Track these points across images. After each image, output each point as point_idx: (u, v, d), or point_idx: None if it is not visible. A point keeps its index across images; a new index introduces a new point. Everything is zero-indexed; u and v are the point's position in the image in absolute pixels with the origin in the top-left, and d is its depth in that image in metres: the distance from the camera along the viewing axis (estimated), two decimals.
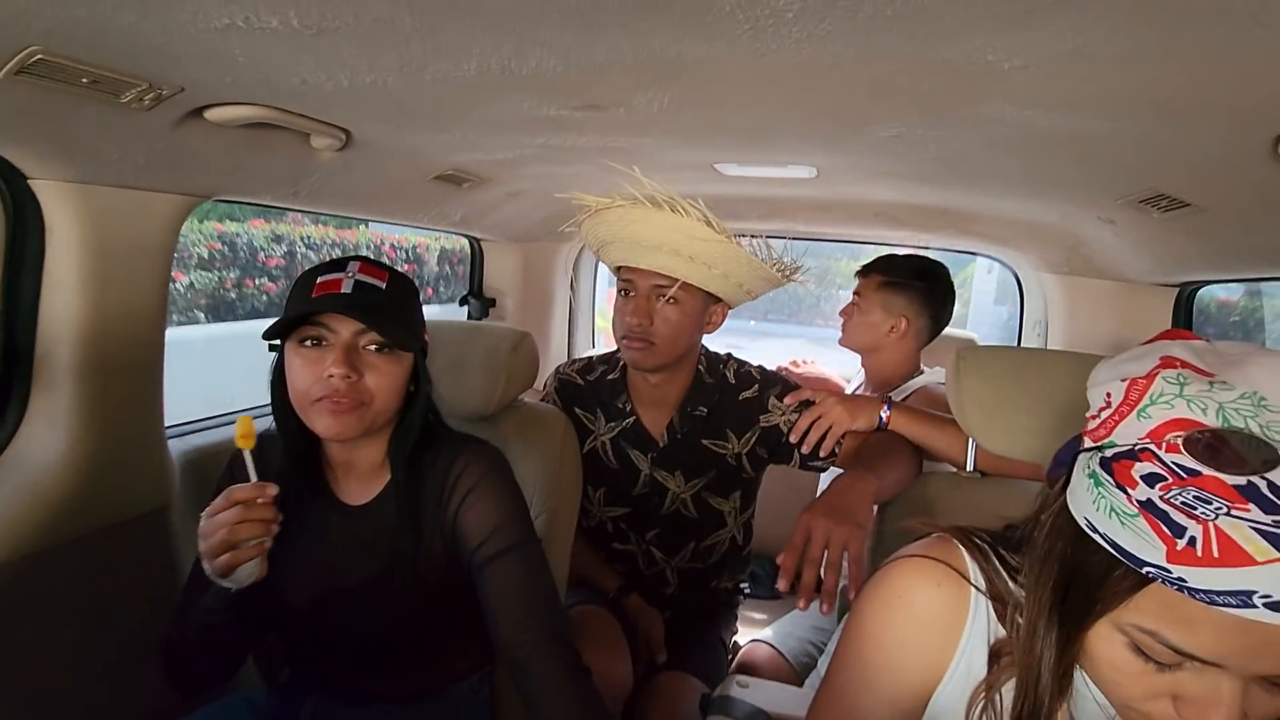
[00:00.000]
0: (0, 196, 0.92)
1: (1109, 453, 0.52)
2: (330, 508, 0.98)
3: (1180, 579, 0.45)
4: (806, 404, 1.35)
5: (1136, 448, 0.51)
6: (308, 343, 0.87)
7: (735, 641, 1.62)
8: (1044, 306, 2.12)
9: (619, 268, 1.33)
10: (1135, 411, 0.52)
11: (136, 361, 1.07)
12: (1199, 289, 1.67)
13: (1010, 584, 0.64)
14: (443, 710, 1.06)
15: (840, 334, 1.72)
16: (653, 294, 1.28)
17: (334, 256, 0.93)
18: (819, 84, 0.78)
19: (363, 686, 1.02)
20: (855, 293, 1.69)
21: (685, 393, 1.39)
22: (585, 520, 1.50)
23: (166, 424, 1.22)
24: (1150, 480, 0.48)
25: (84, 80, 0.77)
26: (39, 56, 0.70)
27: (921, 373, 1.67)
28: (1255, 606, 0.43)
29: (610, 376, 1.44)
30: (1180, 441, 0.48)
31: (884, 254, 1.71)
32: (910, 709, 0.67)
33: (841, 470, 1.21)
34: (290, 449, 0.95)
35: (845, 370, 2.23)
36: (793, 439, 1.33)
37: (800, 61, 0.70)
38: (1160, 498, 0.47)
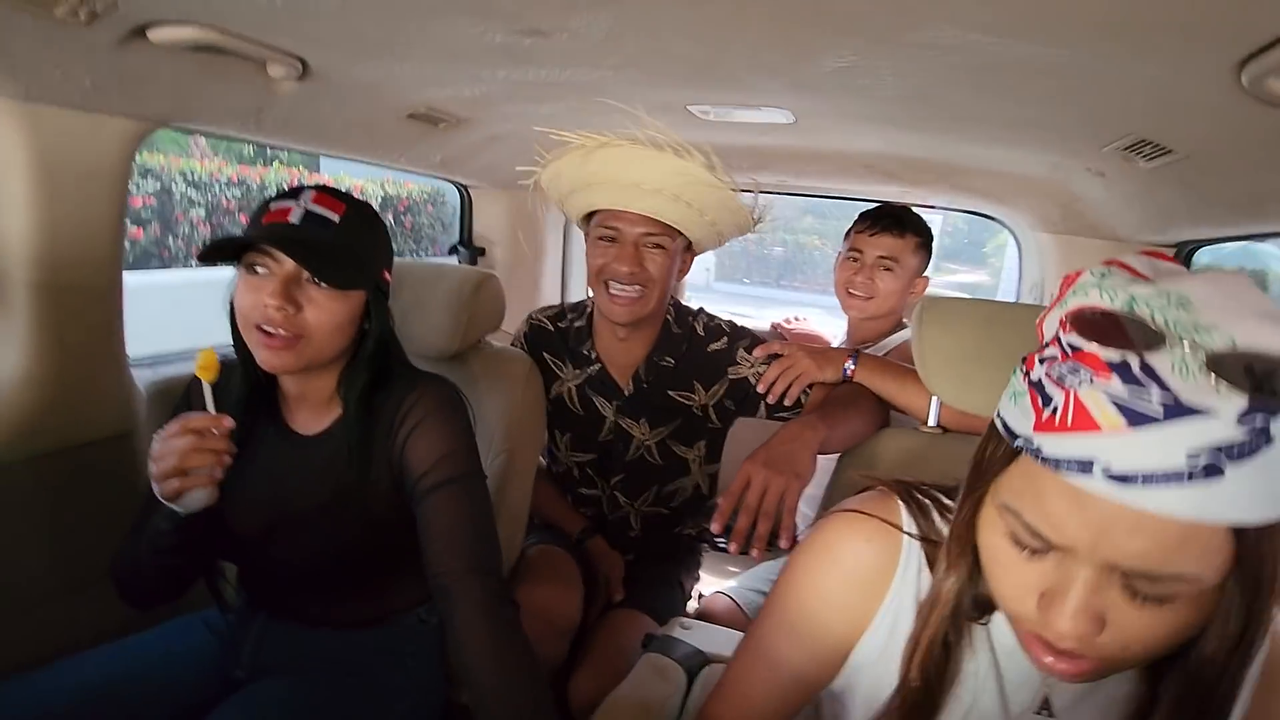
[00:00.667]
0: None
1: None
2: (282, 437, 0.99)
3: (1038, 447, 0.47)
4: (775, 357, 1.34)
5: (1049, 336, 0.52)
6: (256, 269, 0.87)
7: (699, 591, 1.64)
8: (1041, 268, 2.06)
9: (594, 214, 1.29)
10: (1059, 304, 0.53)
11: (92, 285, 1.08)
12: (1195, 250, 1.60)
13: (947, 526, 0.64)
14: (389, 637, 1.09)
15: (859, 299, 1.61)
16: (641, 240, 1.25)
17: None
18: (752, 3, 0.75)
19: (309, 612, 1.05)
20: (885, 255, 1.58)
21: (653, 343, 1.38)
22: (553, 465, 1.53)
23: (136, 355, 1.25)
24: (1045, 360, 0.50)
25: None
26: None
27: (903, 328, 1.64)
28: (1093, 475, 0.44)
29: (577, 324, 1.43)
30: (1072, 318, 0.49)
31: (882, 206, 1.64)
32: (829, 660, 0.68)
33: None
34: (246, 375, 0.96)
35: (838, 329, 2.20)
36: (760, 389, 1.33)
37: None
38: (1045, 374, 0.49)
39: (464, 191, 2.22)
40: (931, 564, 0.64)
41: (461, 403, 1.02)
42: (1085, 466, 0.44)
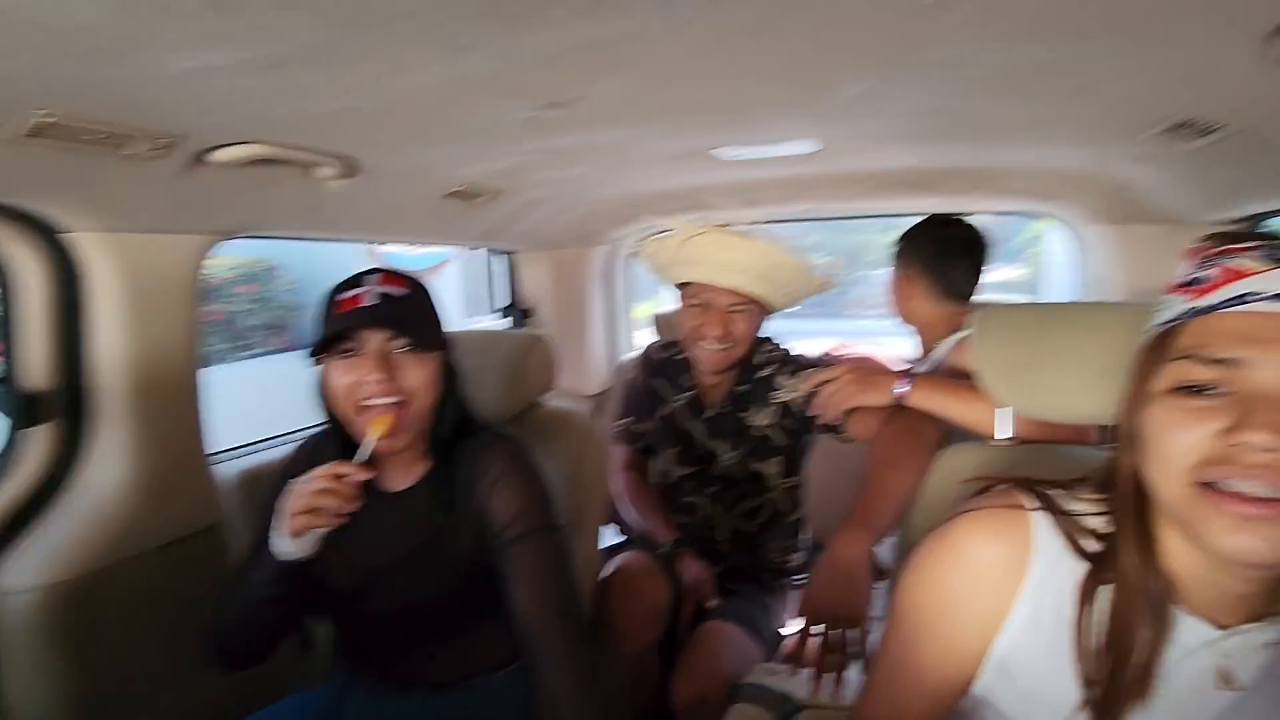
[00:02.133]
0: (44, 249, 1.03)
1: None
2: (373, 496, 1.03)
3: (1193, 307, 0.58)
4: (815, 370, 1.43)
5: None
6: (348, 352, 0.94)
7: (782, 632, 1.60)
8: (1105, 261, 1.97)
9: (688, 284, 1.48)
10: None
11: (176, 390, 1.17)
12: (1264, 221, 1.51)
13: (1087, 507, 0.66)
14: (478, 700, 1.10)
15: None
16: (729, 308, 1.44)
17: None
18: (757, 49, 0.77)
19: (401, 669, 1.08)
20: None
21: (738, 375, 1.55)
22: (661, 479, 1.66)
23: (221, 448, 1.33)
24: (1184, 272, 0.62)
25: (94, 136, 0.86)
26: (47, 119, 0.79)
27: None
28: (1250, 301, 0.55)
29: (679, 356, 1.63)
30: (1215, 240, 0.60)
31: (929, 217, 1.62)
32: (969, 659, 0.68)
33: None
34: (340, 443, 1.01)
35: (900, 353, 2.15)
36: (810, 411, 1.42)
37: (727, 27, 0.70)
38: (1187, 273, 0.61)
39: (509, 257, 2.31)
40: (1075, 545, 0.64)
41: (532, 457, 1.08)
42: (1243, 298, 0.55)
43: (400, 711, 1.08)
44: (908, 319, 1.63)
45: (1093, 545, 0.64)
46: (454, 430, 1.04)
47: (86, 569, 1.07)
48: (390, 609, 1.03)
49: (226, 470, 1.35)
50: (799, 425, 1.50)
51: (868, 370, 1.38)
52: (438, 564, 1.02)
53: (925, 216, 1.63)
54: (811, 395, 1.41)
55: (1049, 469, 0.75)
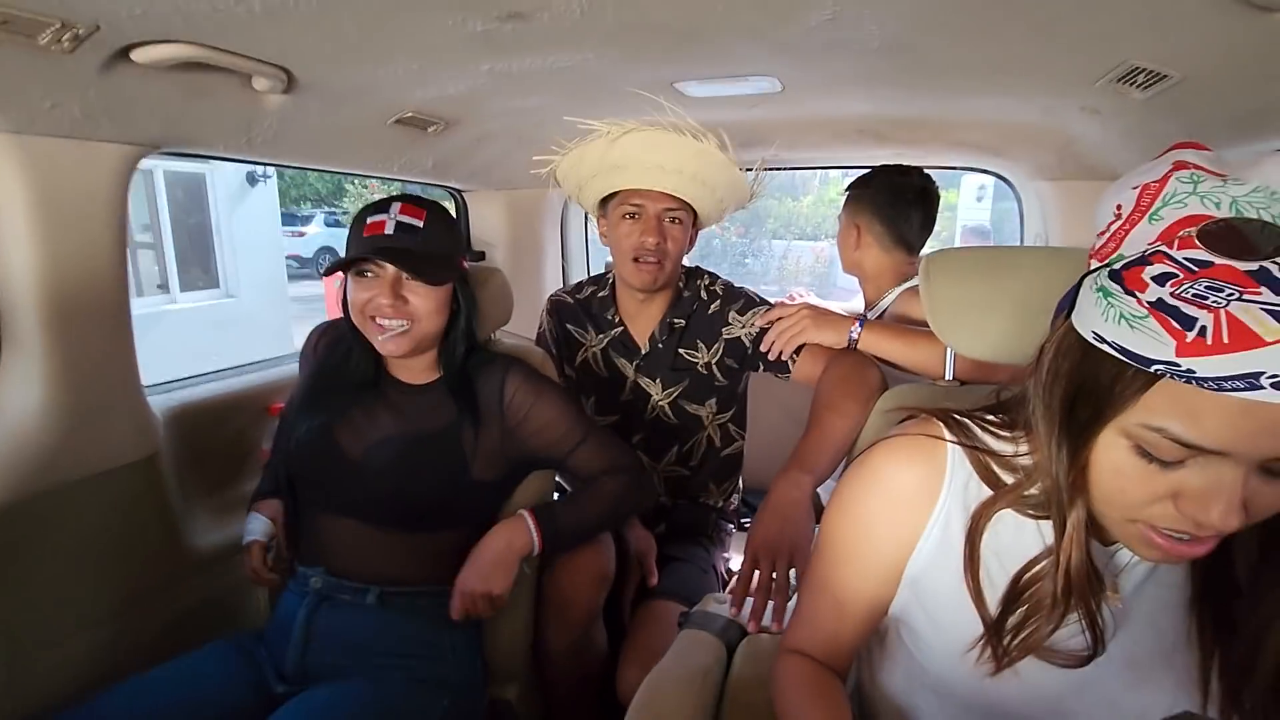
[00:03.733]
0: None
1: (1117, 265, 0.53)
2: (390, 385, 1.19)
3: (1189, 370, 0.46)
4: (764, 306, 1.45)
5: (1147, 252, 0.51)
6: (366, 274, 1.08)
7: (729, 570, 1.64)
8: (1043, 218, 2.03)
9: (611, 197, 1.41)
10: (1147, 216, 0.53)
11: (101, 312, 1.09)
12: None
13: (994, 440, 0.67)
14: (431, 627, 1.12)
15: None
16: (662, 215, 1.38)
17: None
18: None
19: (363, 562, 1.11)
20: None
21: (668, 306, 1.49)
22: None
23: (149, 383, 1.26)
24: (1161, 280, 0.49)
25: None
26: None
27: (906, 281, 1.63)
28: (1263, 387, 0.44)
29: (600, 294, 1.56)
30: (1194, 235, 0.49)
31: (880, 168, 1.65)
32: (888, 578, 0.72)
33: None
34: (365, 351, 1.16)
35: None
36: (763, 347, 1.41)
37: None
38: (1171, 294, 0.48)
39: (459, 197, 2.23)
40: (980, 471, 0.66)
41: (545, 376, 1.25)
42: (1252, 380, 0.44)
43: (353, 632, 1.09)
44: (855, 268, 1.65)
45: (1003, 475, 0.66)
46: (464, 352, 1.17)
47: (3, 500, 1.01)
48: (379, 489, 1.10)
49: (160, 403, 1.28)
50: (741, 364, 1.48)
51: (824, 311, 1.41)
52: (436, 456, 1.12)
53: (878, 166, 1.65)
54: (763, 331, 1.41)
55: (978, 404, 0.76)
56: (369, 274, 1.07)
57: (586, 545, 1.26)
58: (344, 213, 12.65)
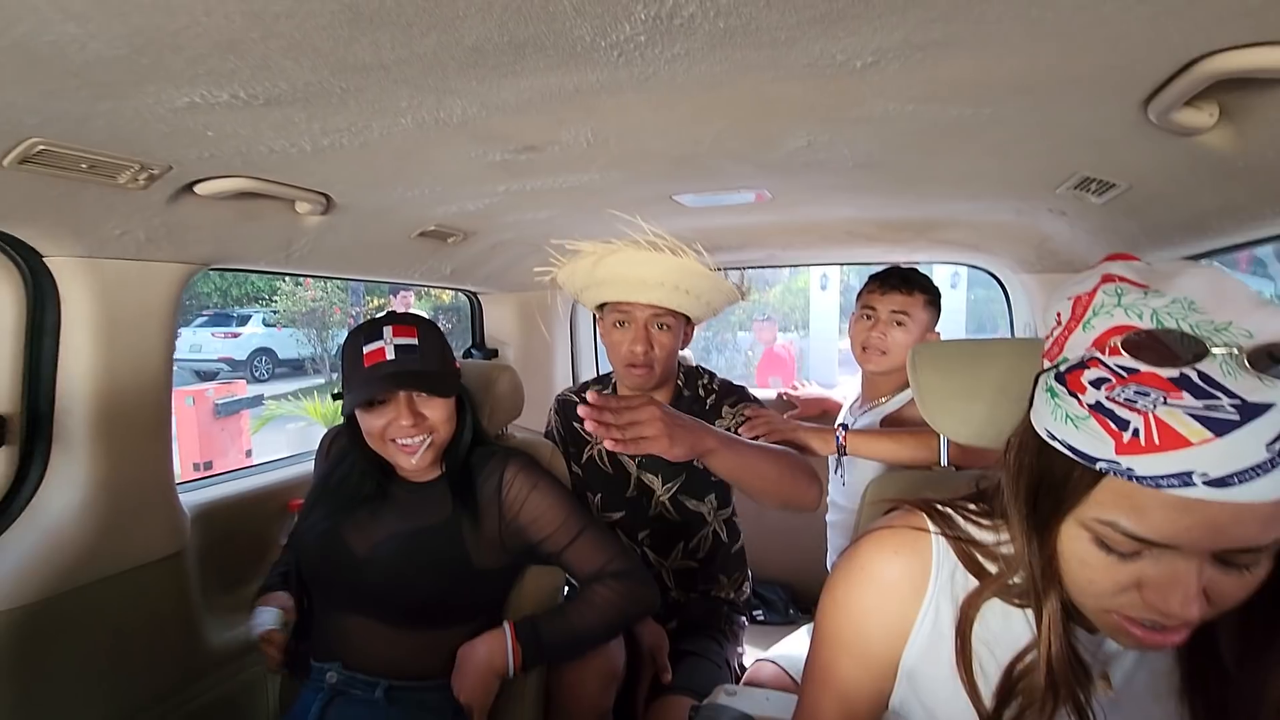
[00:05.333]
0: (20, 273, 1.05)
1: (1062, 367, 0.58)
2: (395, 484, 1.22)
3: (1129, 469, 0.50)
4: (754, 403, 1.51)
5: (1085, 358, 0.56)
6: (377, 402, 1.12)
7: (742, 664, 1.62)
8: (1030, 309, 2.13)
9: (605, 304, 1.49)
10: (1081, 325, 0.58)
11: (145, 419, 1.18)
12: None
13: (977, 530, 0.70)
14: (443, 711, 1.14)
15: (875, 354, 1.64)
16: (650, 323, 1.46)
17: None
18: (712, 102, 0.87)
19: (374, 656, 1.13)
20: (897, 310, 1.63)
21: (667, 403, 1.46)
22: None
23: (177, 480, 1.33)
24: (1097, 384, 0.54)
25: (83, 165, 0.90)
26: (40, 147, 0.83)
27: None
28: (1195, 485, 0.48)
29: (604, 392, 1.54)
30: (1119, 343, 0.54)
31: (890, 268, 1.69)
32: (884, 670, 0.72)
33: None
34: (371, 466, 1.20)
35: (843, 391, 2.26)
36: (743, 429, 1.44)
37: (683, 82, 0.79)
38: (1106, 398, 0.53)
39: (474, 299, 2.36)
40: (965, 562, 0.68)
41: (546, 469, 1.27)
42: (1184, 479, 0.48)
43: (362, 705, 1.12)
44: (897, 363, 1.63)
45: (987, 564, 0.68)
46: (469, 448, 1.22)
47: (39, 595, 1.05)
48: (384, 585, 1.13)
49: (189, 500, 1.35)
50: None
51: (817, 418, 1.49)
52: (437, 548, 1.15)
53: (896, 266, 1.72)
54: (747, 420, 1.46)
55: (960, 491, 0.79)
56: (380, 401, 1.12)
57: (594, 663, 1.26)
58: (273, 312, 12.12)
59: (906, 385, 1.69)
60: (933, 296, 1.66)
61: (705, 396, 1.56)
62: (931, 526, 0.71)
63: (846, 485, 1.62)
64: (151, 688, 1.14)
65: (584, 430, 1.59)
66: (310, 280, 9.77)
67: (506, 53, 0.69)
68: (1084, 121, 0.93)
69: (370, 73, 0.74)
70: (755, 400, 1.56)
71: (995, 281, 2.30)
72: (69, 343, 1.09)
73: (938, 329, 1.70)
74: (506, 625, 1.14)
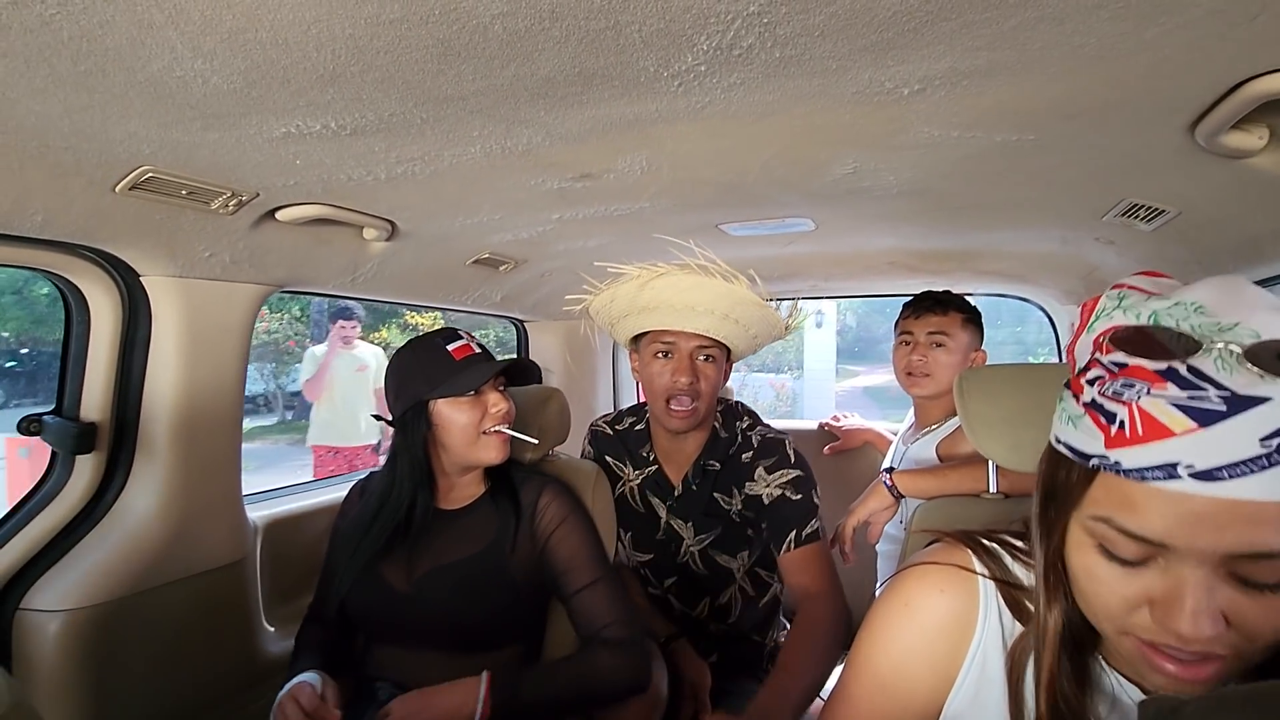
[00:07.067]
0: (119, 291, 1.14)
1: (1072, 375, 0.59)
2: (433, 514, 1.21)
3: (1116, 462, 0.50)
4: (796, 477, 1.40)
5: (1087, 361, 0.57)
6: (468, 394, 1.16)
7: None
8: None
9: (646, 333, 1.41)
10: (1085, 329, 0.59)
11: (221, 430, 1.25)
12: None
13: (1020, 568, 0.67)
14: None
15: (919, 377, 1.65)
16: (695, 354, 1.37)
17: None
18: (762, 130, 0.91)
19: (433, 678, 1.12)
20: (934, 331, 1.64)
21: (703, 446, 1.46)
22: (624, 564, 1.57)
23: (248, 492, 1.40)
24: (1093, 382, 0.54)
25: (184, 192, 0.99)
26: (150, 174, 0.92)
27: None
28: (1180, 477, 0.47)
29: (637, 427, 1.56)
30: (1110, 339, 0.54)
31: (924, 292, 1.71)
32: (923, 714, 0.68)
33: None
34: (418, 475, 1.19)
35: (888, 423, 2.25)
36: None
37: (737, 110, 0.84)
38: (1099, 394, 0.53)
39: (520, 326, 2.43)
40: (1011, 606, 0.66)
41: (584, 506, 1.28)
42: (1169, 470, 0.47)
43: None
44: (943, 386, 1.64)
45: (1030, 605, 0.65)
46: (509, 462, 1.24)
47: (113, 595, 1.12)
48: (435, 619, 1.14)
49: (256, 512, 1.41)
50: (751, 523, 1.43)
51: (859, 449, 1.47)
52: (487, 574, 1.16)
53: (929, 290, 1.73)
54: (783, 495, 1.39)
55: (1003, 520, 0.78)
56: (475, 391, 1.16)
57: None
58: None
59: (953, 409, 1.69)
60: (970, 315, 1.66)
61: (742, 446, 1.45)
62: (978, 566, 0.68)
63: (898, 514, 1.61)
64: (211, 692, 1.18)
65: (615, 464, 1.55)
66: (265, 310, 9.85)
67: (575, 83, 0.75)
68: (1130, 147, 0.94)
69: (449, 104, 0.80)
70: (797, 465, 1.42)
71: (1042, 313, 2.27)
72: (157, 357, 1.17)
73: (983, 348, 1.69)
74: (483, 678, 1.08)
